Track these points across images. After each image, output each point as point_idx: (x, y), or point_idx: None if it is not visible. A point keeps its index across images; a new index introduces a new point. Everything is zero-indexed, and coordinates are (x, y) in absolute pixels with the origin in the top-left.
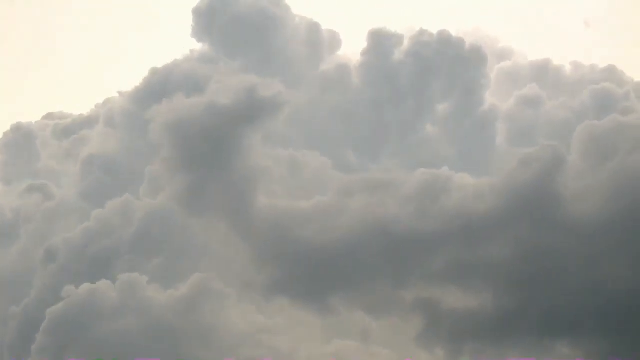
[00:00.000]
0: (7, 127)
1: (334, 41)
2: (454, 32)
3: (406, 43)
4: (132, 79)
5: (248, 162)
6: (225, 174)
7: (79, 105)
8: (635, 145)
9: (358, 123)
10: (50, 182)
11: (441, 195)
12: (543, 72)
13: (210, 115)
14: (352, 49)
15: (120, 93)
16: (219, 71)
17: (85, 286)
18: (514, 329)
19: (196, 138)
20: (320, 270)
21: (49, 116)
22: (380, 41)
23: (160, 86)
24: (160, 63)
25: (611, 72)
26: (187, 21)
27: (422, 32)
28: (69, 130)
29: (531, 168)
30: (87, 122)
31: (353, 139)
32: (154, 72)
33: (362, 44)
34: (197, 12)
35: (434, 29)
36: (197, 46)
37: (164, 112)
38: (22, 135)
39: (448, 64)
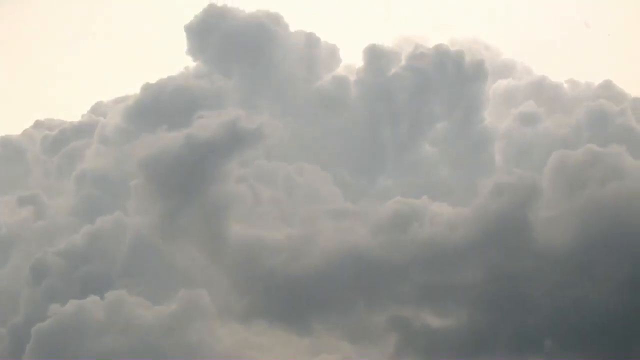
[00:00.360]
0: None
1: (333, 56)
2: (453, 41)
3: (403, 59)
4: (124, 85)
5: (223, 193)
6: (201, 205)
7: (66, 110)
8: (607, 177)
9: (354, 142)
10: (42, 197)
11: (413, 225)
12: (540, 89)
13: (190, 149)
14: (352, 61)
15: (107, 103)
16: (211, 90)
17: (72, 303)
18: (486, 347)
19: (173, 171)
20: (297, 296)
21: (38, 124)
22: (376, 59)
23: (152, 105)
24: (156, 70)
25: (607, 88)
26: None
27: (418, 47)
28: (58, 142)
29: (504, 197)
30: (75, 132)
31: (349, 158)
32: (147, 88)
33: (362, 56)
34: (190, 30)
35: (433, 38)
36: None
37: (142, 147)
38: (11, 150)
39: (446, 80)
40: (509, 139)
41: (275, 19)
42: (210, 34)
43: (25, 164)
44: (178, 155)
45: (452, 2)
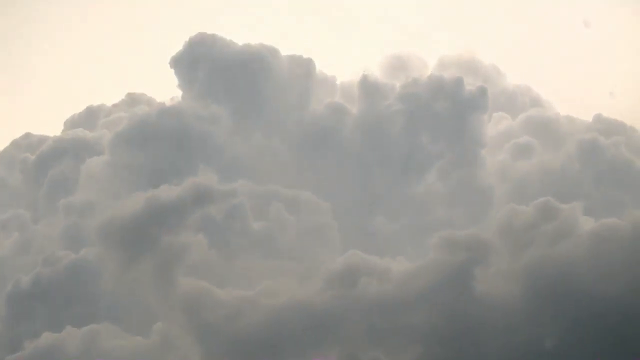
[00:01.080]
0: None
1: (329, 84)
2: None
3: (398, 87)
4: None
5: (178, 248)
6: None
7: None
8: (556, 236)
9: (349, 175)
10: (23, 225)
11: (362, 280)
12: (534, 123)
13: (151, 214)
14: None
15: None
16: (202, 122)
17: (47, 335)
18: None
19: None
20: (251, 343)
21: (15, 144)
22: (370, 92)
23: (138, 137)
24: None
25: (598, 121)
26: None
27: (409, 77)
28: (38, 166)
29: (452, 254)
30: (55, 154)
31: (343, 192)
32: (133, 118)
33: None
34: (176, 63)
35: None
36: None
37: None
38: None
39: (443, 112)
40: (504, 174)
41: (270, 50)
42: (200, 65)
43: (5, 190)
44: (139, 218)
45: (443, 14)
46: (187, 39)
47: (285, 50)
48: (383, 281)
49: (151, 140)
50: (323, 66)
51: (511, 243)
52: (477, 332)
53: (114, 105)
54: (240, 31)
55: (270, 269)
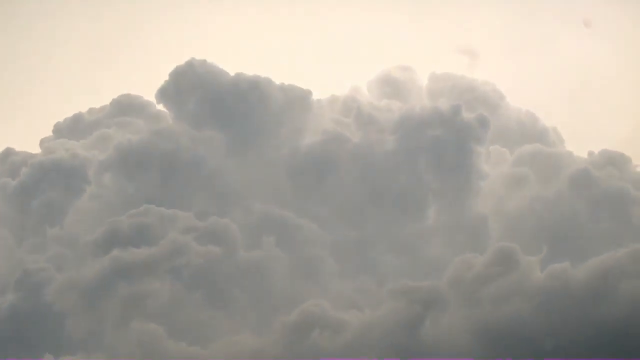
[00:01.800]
0: None
1: (322, 113)
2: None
3: (394, 119)
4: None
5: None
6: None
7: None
8: (508, 287)
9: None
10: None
11: (314, 331)
12: (529, 155)
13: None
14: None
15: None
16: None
17: None
18: None
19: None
20: None
21: None
22: (364, 125)
23: (125, 165)
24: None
25: (594, 154)
26: None
27: (402, 107)
28: (22, 193)
29: (408, 305)
30: (36, 179)
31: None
32: (120, 146)
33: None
34: (163, 95)
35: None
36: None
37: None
38: None
39: (439, 145)
40: (501, 210)
41: (264, 80)
42: (187, 97)
43: None
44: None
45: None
46: (172, 69)
47: (276, 76)
48: (336, 332)
49: (140, 169)
50: (315, 89)
51: (463, 294)
52: None
53: (98, 116)
54: (228, 59)
55: (238, 320)
